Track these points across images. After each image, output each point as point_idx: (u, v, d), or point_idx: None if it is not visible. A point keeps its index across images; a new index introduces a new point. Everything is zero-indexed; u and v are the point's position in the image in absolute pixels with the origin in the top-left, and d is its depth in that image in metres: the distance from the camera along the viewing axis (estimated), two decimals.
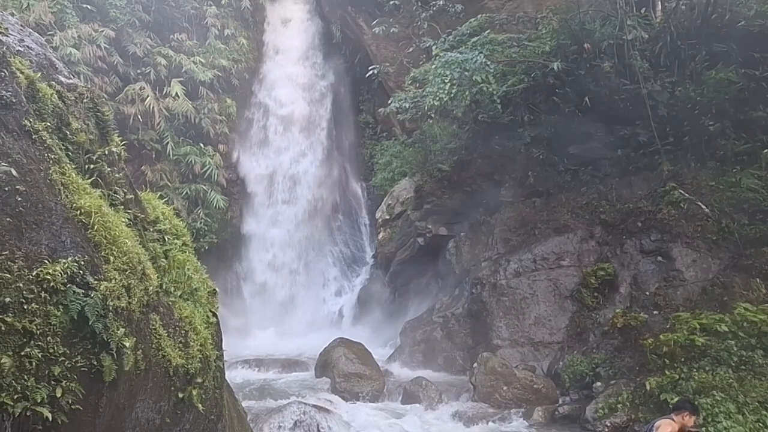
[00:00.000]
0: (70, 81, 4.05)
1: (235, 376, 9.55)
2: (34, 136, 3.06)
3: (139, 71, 14.79)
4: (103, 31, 14.15)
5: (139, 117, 14.15)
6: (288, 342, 13.47)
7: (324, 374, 9.65)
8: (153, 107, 14.32)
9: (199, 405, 3.86)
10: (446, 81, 10.38)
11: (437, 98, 10.36)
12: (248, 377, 10.04)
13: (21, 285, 2.47)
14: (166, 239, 4.56)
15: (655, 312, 8.82)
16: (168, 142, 14.64)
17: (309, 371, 10.41)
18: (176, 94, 14.85)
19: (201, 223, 14.53)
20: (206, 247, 14.11)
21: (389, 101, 12.45)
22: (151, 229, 4.44)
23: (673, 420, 4.50)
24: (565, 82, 11.10)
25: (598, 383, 8.22)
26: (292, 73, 17.67)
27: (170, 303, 3.93)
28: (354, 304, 14.93)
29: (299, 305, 15.59)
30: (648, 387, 6.86)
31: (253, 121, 17.11)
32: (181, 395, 3.66)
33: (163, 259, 4.26)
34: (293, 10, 18.66)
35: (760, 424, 5.87)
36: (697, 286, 8.85)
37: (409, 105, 11.77)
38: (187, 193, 14.69)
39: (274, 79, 17.53)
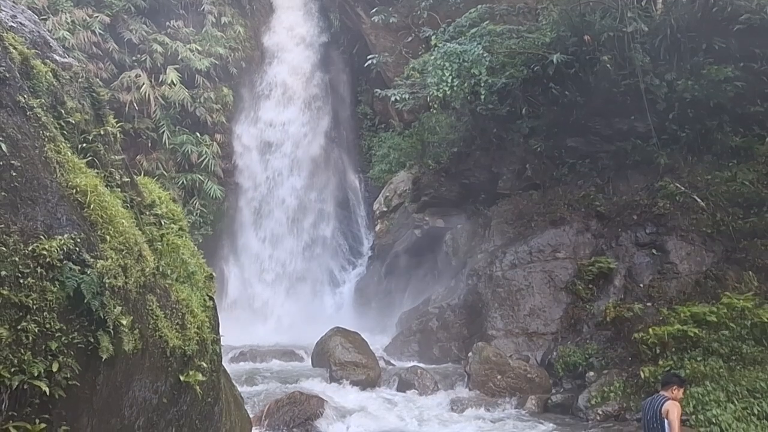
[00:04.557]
0: (65, 60, 4.00)
1: (231, 364, 9.56)
2: (28, 113, 3.02)
3: (134, 58, 14.58)
4: (97, 16, 13.92)
5: (135, 105, 13.98)
6: (285, 332, 13.50)
7: (320, 363, 9.69)
8: (149, 95, 14.15)
9: (197, 387, 3.87)
10: (446, 73, 10.28)
11: (441, 90, 10.25)
12: (245, 366, 10.05)
13: (17, 259, 2.46)
14: (163, 223, 4.55)
15: (648, 304, 8.90)
16: (164, 131, 14.48)
17: (305, 361, 10.45)
18: (172, 81, 14.66)
19: (197, 214, 14.38)
20: (200, 240, 13.99)
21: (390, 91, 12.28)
22: (148, 213, 4.42)
23: (668, 398, 4.55)
24: (564, 74, 11.07)
25: (591, 373, 8.31)
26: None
27: (167, 285, 3.93)
28: (351, 294, 14.96)
29: (296, 296, 15.60)
30: (643, 376, 6.96)
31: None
32: (178, 376, 3.67)
33: (160, 243, 4.25)
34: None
35: (747, 412, 5.99)
36: (691, 278, 8.93)
37: (409, 96, 11.69)
38: (183, 182, 14.56)
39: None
